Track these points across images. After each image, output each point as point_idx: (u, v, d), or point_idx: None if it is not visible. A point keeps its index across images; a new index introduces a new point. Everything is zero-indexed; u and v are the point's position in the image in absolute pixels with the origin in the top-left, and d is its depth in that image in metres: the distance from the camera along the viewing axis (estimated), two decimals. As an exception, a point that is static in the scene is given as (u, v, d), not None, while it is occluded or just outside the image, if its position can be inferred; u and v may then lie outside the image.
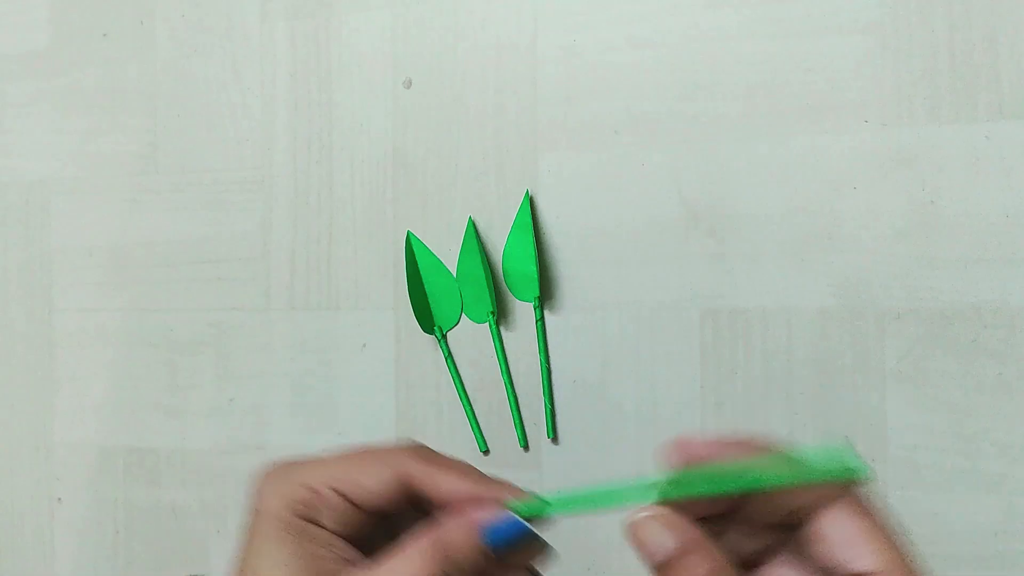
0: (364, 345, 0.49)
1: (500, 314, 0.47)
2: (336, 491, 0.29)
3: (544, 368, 0.46)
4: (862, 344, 0.42)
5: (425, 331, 0.48)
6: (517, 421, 0.47)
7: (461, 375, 0.48)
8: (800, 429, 0.43)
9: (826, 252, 0.43)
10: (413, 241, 0.48)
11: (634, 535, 0.28)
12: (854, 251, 0.42)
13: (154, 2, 0.54)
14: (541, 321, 0.46)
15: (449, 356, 0.48)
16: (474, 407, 0.48)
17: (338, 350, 0.50)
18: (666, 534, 0.27)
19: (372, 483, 0.29)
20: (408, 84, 0.49)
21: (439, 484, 0.29)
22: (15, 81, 0.56)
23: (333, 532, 0.29)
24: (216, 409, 0.52)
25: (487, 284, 0.46)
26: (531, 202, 0.46)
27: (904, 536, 0.28)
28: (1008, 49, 0.41)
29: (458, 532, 0.28)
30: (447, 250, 0.48)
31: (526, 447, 0.47)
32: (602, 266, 0.46)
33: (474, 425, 0.47)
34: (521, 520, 0.28)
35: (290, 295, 0.51)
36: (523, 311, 0.47)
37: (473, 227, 0.47)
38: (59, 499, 0.55)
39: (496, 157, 0.47)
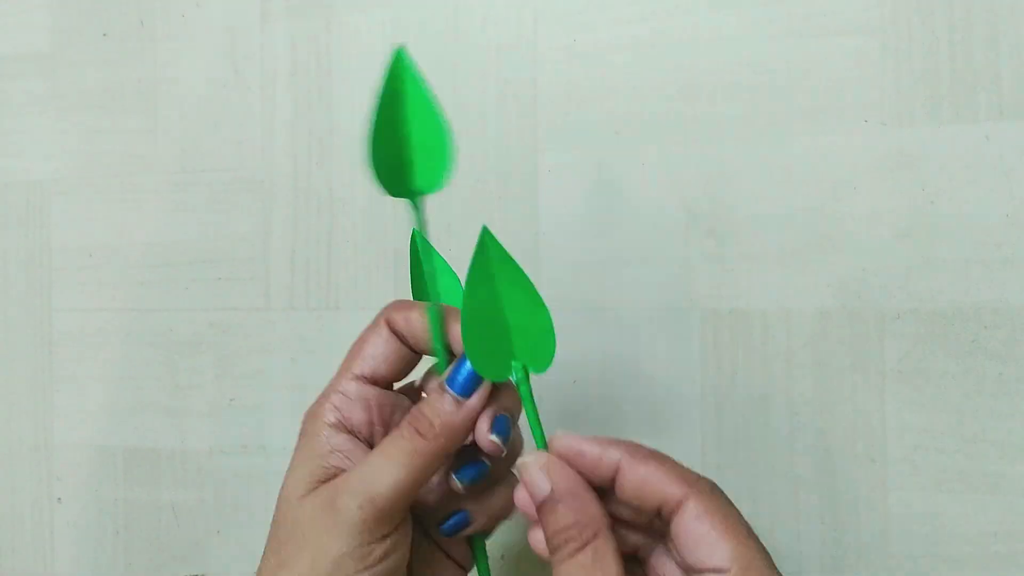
0: (364, 345, 0.49)
1: (500, 314, 0.47)
2: (358, 376, 0.35)
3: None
4: (862, 344, 0.42)
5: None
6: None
7: (461, 375, 0.48)
8: (800, 429, 0.43)
9: (826, 253, 0.43)
10: (419, 240, 0.48)
11: (520, 475, 0.32)
12: (854, 251, 0.42)
13: (154, 2, 0.53)
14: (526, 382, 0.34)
15: (449, 356, 0.48)
16: (474, 407, 0.47)
17: (338, 350, 0.50)
18: (544, 479, 0.31)
19: (376, 350, 0.35)
20: (408, 84, 0.49)
21: (412, 321, 0.35)
22: (15, 81, 0.56)
23: (369, 421, 0.34)
24: (216, 409, 0.52)
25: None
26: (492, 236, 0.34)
27: (751, 531, 0.29)
28: (1008, 49, 0.41)
29: (428, 394, 0.33)
30: (447, 250, 0.48)
31: (526, 447, 0.47)
32: (602, 266, 0.46)
33: (474, 425, 0.47)
34: (467, 363, 0.33)
35: (290, 295, 0.51)
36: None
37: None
38: (59, 499, 0.55)
39: (496, 157, 0.47)
